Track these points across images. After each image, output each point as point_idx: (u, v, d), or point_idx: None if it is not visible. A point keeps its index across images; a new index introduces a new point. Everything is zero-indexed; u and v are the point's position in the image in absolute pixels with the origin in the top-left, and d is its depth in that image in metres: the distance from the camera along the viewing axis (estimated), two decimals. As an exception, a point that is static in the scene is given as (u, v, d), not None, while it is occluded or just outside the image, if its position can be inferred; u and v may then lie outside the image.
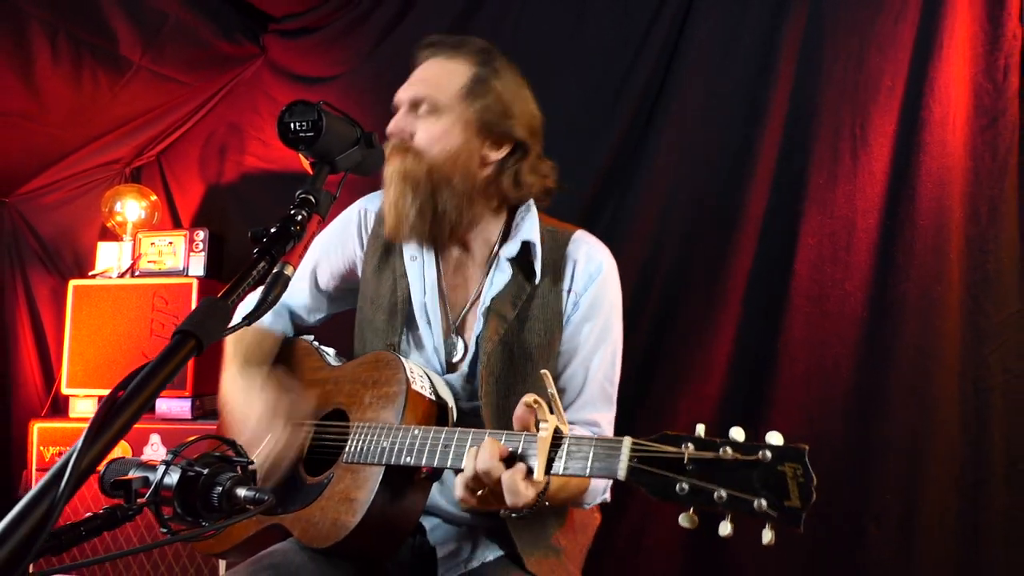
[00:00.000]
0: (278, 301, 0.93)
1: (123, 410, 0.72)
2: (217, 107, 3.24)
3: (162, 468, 0.93)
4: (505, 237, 1.52)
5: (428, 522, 1.49)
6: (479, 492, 1.14)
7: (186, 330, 0.79)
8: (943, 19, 2.25)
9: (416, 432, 1.27)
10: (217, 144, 3.25)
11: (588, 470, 1.03)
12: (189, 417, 2.70)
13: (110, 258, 3.03)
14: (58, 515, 0.65)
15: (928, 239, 2.24)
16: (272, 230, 0.95)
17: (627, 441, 1.00)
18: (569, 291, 1.50)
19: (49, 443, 2.72)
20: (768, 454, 0.89)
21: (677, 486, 0.92)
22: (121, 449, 2.43)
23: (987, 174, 2.21)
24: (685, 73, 2.56)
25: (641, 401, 2.46)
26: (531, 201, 1.55)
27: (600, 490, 1.45)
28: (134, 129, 3.14)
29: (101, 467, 0.94)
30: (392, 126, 1.49)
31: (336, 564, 1.36)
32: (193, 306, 2.77)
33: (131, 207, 3.08)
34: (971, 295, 2.21)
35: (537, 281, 1.48)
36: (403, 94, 1.49)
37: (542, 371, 1.09)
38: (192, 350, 0.78)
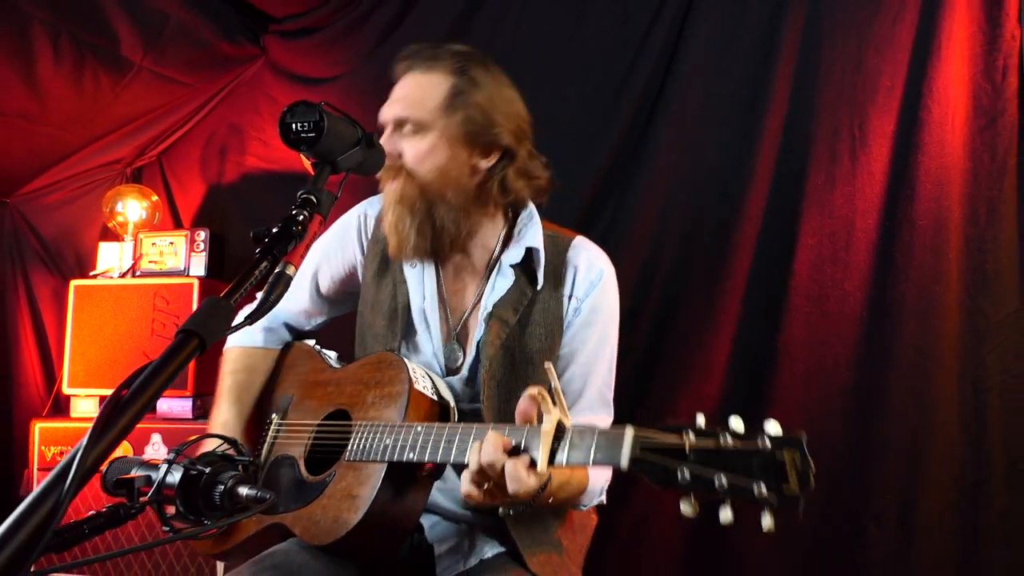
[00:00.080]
0: (280, 300, 0.93)
1: (127, 409, 0.72)
2: (218, 107, 3.25)
3: (164, 467, 0.93)
4: (506, 242, 1.53)
5: (427, 519, 1.50)
6: (485, 486, 1.15)
7: (189, 330, 0.79)
8: (941, 20, 2.25)
9: (419, 429, 1.27)
10: (218, 144, 3.26)
11: (591, 460, 1.04)
12: (190, 416, 2.71)
13: (111, 258, 3.03)
14: (63, 513, 0.66)
15: (927, 239, 2.24)
16: (274, 230, 0.95)
17: (630, 430, 1.00)
18: (570, 297, 1.50)
19: (50, 443, 2.72)
20: (767, 441, 0.90)
21: (679, 474, 0.92)
22: (122, 449, 2.43)
23: (986, 174, 2.22)
24: (685, 73, 2.56)
25: (641, 401, 2.47)
26: (532, 207, 1.55)
27: (597, 491, 1.47)
28: (135, 129, 3.15)
29: (103, 466, 0.95)
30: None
31: (338, 563, 1.36)
32: (194, 306, 2.77)
33: (132, 207, 3.08)
34: (970, 295, 2.21)
35: (539, 287, 1.49)
36: (386, 114, 1.48)
37: (546, 363, 1.10)
38: (195, 349, 0.79)
